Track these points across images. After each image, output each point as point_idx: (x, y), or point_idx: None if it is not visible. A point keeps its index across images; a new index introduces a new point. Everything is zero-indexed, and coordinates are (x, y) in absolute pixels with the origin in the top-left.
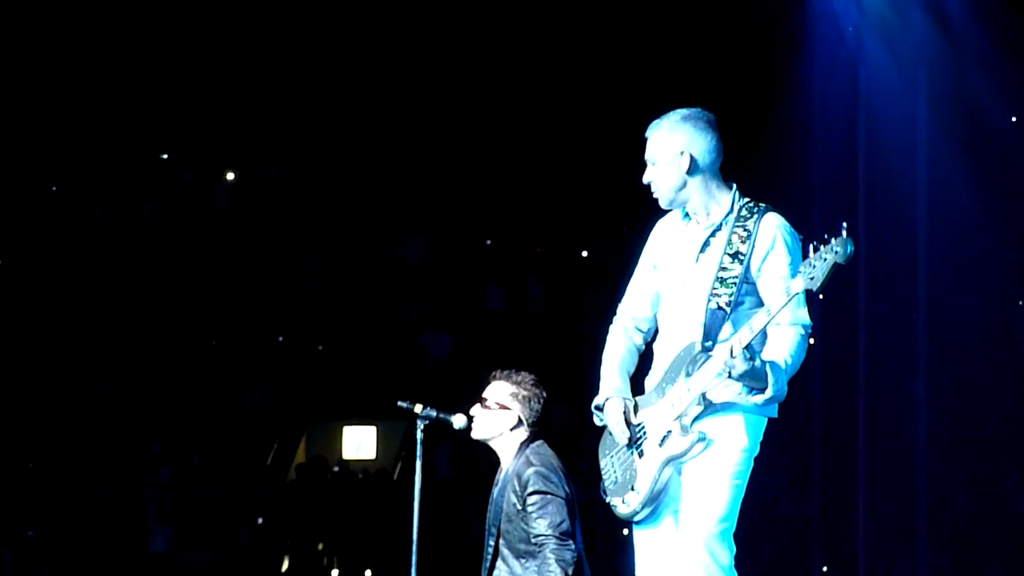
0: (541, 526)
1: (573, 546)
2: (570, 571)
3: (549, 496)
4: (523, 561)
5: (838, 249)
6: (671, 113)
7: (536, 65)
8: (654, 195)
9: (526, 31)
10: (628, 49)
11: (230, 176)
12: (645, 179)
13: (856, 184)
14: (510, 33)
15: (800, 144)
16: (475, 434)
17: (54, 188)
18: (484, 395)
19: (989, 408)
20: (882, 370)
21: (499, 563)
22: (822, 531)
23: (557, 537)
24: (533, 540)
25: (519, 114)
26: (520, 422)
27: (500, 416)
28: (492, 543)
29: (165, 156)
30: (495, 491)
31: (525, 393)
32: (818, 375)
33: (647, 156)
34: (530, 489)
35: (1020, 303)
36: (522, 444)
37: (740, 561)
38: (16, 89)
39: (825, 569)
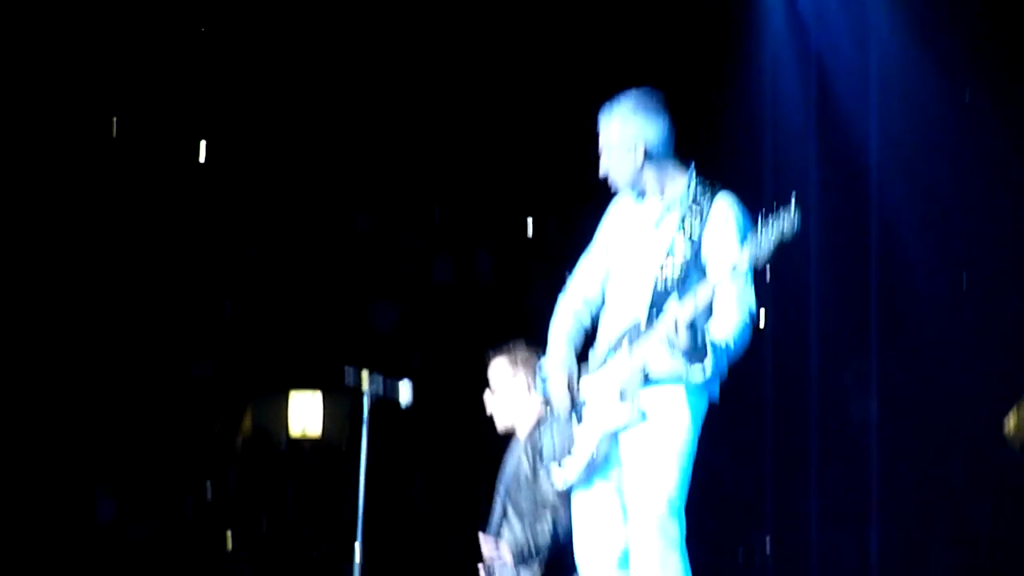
0: (551, 492)
1: None
2: (564, 539)
3: None
4: (528, 525)
5: (785, 222)
6: (620, 100)
7: (483, 36)
8: (610, 182)
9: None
10: (577, 21)
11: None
12: (602, 168)
13: (807, 161)
14: (458, 4)
15: (751, 119)
16: (499, 425)
17: None
18: (488, 378)
19: (938, 387)
20: (833, 347)
21: (504, 526)
22: (773, 508)
23: (562, 507)
24: (541, 506)
25: (467, 85)
26: (530, 386)
27: (511, 389)
28: (500, 506)
29: (115, 119)
30: (508, 456)
31: (523, 355)
32: (770, 352)
33: (601, 144)
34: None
35: (963, 273)
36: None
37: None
38: None
39: (769, 546)
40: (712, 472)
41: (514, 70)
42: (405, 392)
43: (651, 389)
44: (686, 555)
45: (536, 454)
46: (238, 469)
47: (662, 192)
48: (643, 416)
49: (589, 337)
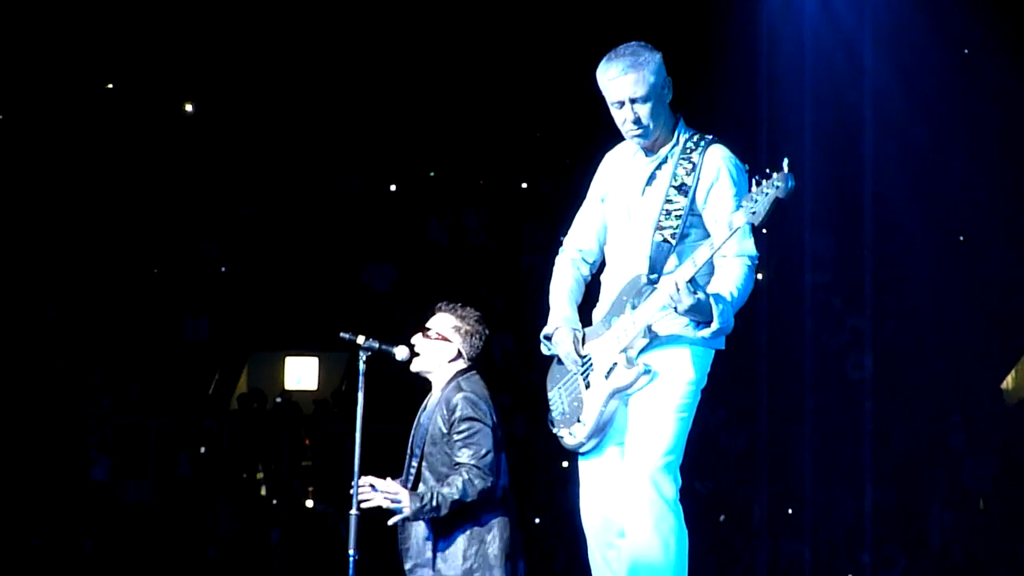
0: (464, 455)
1: (491, 480)
2: (471, 499)
3: (478, 424)
4: (438, 483)
5: (779, 184)
6: (635, 48)
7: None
8: (636, 133)
9: None
10: None
11: (186, 107)
12: (643, 117)
13: (803, 118)
14: None
15: (746, 77)
16: (414, 367)
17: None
18: (427, 325)
19: (932, 345)
20: (827, 305)
21: (420, 486)
22: (768, 466)
23: (477, 467)
24: (454, 465)
25: (462, 47)
26: (459, 355)
27: (440, 347)
28: (415, 464)
29: (111, 86)
30: (422, 415)
31: (468, 328)
32: (765, 310)
33: (632, 94)
34: (458, 415)
35: (960, 239)
36: (456, 374)
37: (680, 494)
38: None
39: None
40: (708, 431)
41: (509, 34)
42: (401, 353)
43: (656, 351)
44: (680, 512)
45: (450, 413)
46: (232, 427)
47: (657, 145)
48: (651, 378)
49: (590, 290)
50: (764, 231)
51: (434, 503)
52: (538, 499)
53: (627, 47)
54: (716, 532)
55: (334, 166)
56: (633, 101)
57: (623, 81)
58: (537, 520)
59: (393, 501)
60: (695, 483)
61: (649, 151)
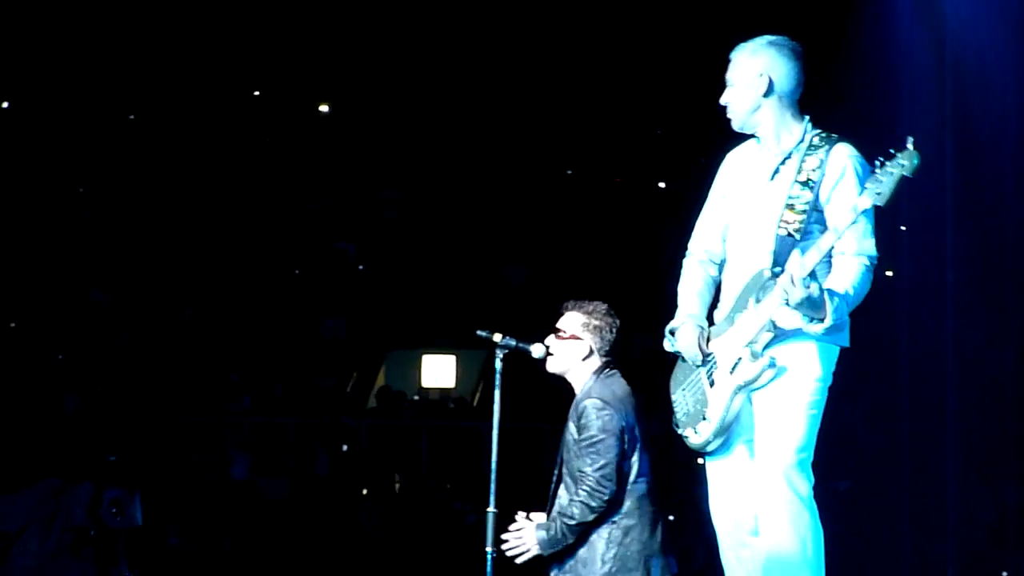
0: (584, 464)
1: (608, 491)
2: (591, 516)
3: (601, 435)
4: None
5: (904, 162)
6: (758, 37)
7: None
8: (728, 116)
9: None
10: None
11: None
12: (723, 100)
13: (945, 113)
14: None
15: (885, 75)
16: (550, 368)
17: (132, 117)
18: (558, 325)
19: None
20: (970, 302)
21: (560, 490)
22: (909, 463)
23: (594, 478)
24: (578, 472)
25: (599, 43)
26: (591, 352)
27: (572, 347)
28: (556, 471)
29: (257, 93)
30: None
31: (597, 323)
32: (906, 306)
33: (727, 77)
34: (583, 421)
35: None
36: (592, 374)
37: (817, 494)
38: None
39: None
40: (847, 428)
41: (646, 31)
42: (537, 351)
43: (782, 346)
44: (815, 509)
45: (579, 418)
46: (370, 425)
47: (779, 140)
48: (775, 373)
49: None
50: (903, 228)
51: (559, 535)
52: (676, 497)
53: (764, 37)
54: (857, 531)
55: (471, 164)
56: (728, 84)
57: (729, 64)
58: (671, 518)
59: (519, 547)
60: (834, 482)
61: (774, 146)
